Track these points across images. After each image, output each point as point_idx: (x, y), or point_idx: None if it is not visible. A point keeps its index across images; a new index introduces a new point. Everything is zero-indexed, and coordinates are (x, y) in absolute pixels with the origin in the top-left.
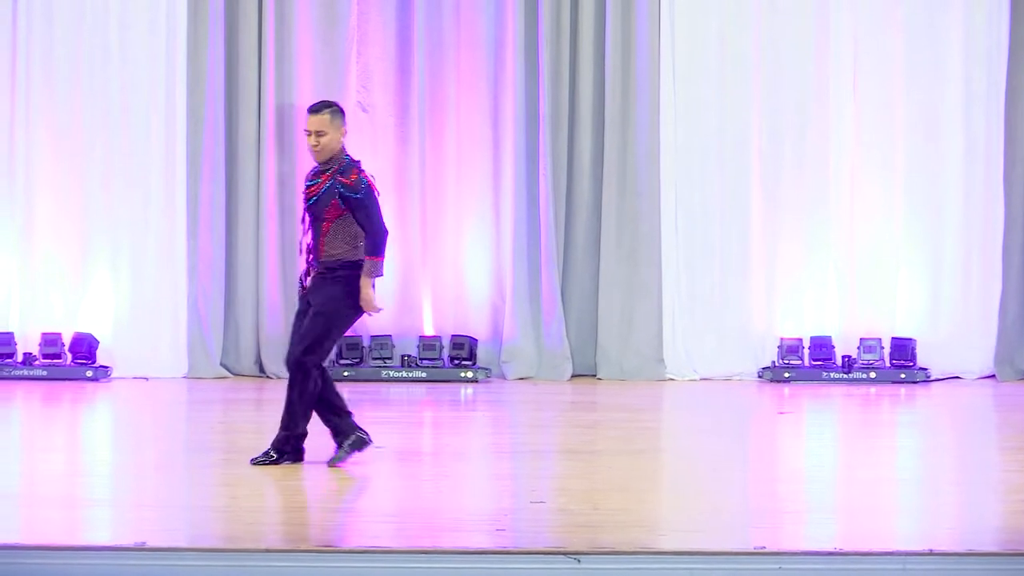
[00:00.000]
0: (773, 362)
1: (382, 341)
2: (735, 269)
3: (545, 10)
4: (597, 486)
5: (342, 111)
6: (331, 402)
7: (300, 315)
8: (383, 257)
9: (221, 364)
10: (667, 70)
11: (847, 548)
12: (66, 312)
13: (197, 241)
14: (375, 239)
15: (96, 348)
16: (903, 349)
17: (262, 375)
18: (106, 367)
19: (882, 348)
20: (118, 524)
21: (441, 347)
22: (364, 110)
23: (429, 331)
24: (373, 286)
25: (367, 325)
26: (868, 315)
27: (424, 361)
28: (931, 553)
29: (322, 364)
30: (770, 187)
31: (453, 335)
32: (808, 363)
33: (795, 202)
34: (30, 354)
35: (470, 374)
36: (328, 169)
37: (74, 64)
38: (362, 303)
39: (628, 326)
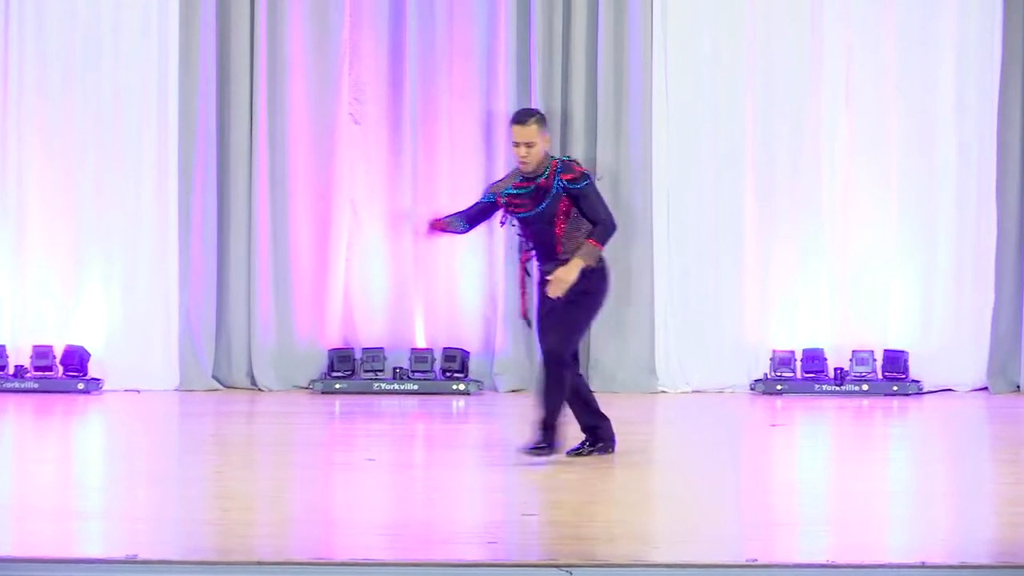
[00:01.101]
0: (765, 374)
1: (374, 353)
2: (728, 280)
3: (537, 21)
4: (589, 498)
5: (544, 116)
6: (585, 399)
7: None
8: (603, 248)
9: (213, 376)
10: (659, 79)
11: (840, 560)
12: (58, 324)
13: (189, 253)
14: (607, 228)
15: (88, 360)
16: (895, 361)
17: (254, 387)
18: (98, 379)
19: (874, 360)
20: (109, 537)
21: (433, 359)
22: (356, 122)
23: (421, 343)
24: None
25: (358, 337)
26: (860, 327)
27: (416, 373)
28: (924, 566)
29: (575, 356)
30: (763, 197)
31: (445, 347)
32: (800, 375)
33: (788, 213)
34: (21, 366)
35: (462, 386)
36: (540, 175)
37: (66, 74)
38: (555, 278)
39: (620, 338)
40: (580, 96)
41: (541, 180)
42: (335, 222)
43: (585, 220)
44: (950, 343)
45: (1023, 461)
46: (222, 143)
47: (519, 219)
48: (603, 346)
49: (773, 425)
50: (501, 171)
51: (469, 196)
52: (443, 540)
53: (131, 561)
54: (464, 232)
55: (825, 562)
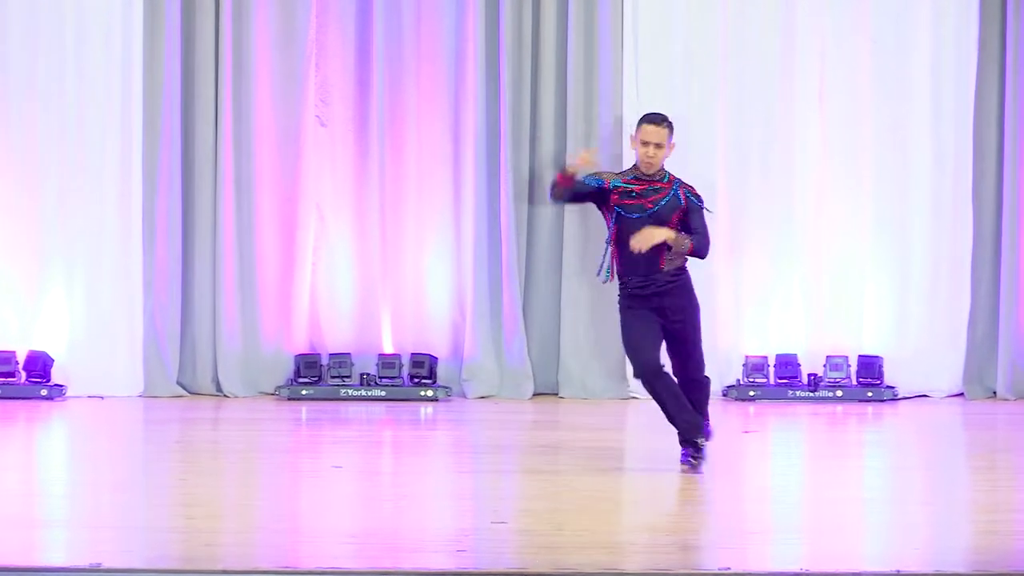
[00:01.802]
0: (738, 380)
1: (341, 359)
2: (699, 285)
3: (506, 23)
4: (560, 506)
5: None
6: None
7: (645, 320)
8: (692, 250)
9: (178, 382)
10: (630, 83)
11: (814, 569)
12: (20, 329)
13: (153, 257)
14: (704, 243)
15: (51, 366)
16: (870, 367)
17: (219, 394)
18: (61, 386)
19: (849, 366)
20: (73, 545)
21: (401, 365)
22: (323, 124)
23: (388, 349)
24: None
25: (325, 343)
26: (834, 332)
27: (383, 379)
28: (898, 574)
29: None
30: (735, 203)
31: (413, 353)
32: (773, 381)
33: (760, 218)
34: None
35: (430, 393)
36: (659, 179)
37: (29, 79)
38: (645, 231)
39: (591, 344)
40: (550, 99)
41: (661, 183)
42: (301, 226)
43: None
44: (926, 348)
45: (999, 468)
46: (187, 146)
47: (626, 217)
48: (574, 353)
49: (746, 432)
50: (468, 175)
51: (435, 199)
52: (411, 548)
53: (95, 570)
54: (568, 199)
55: (799, 571)
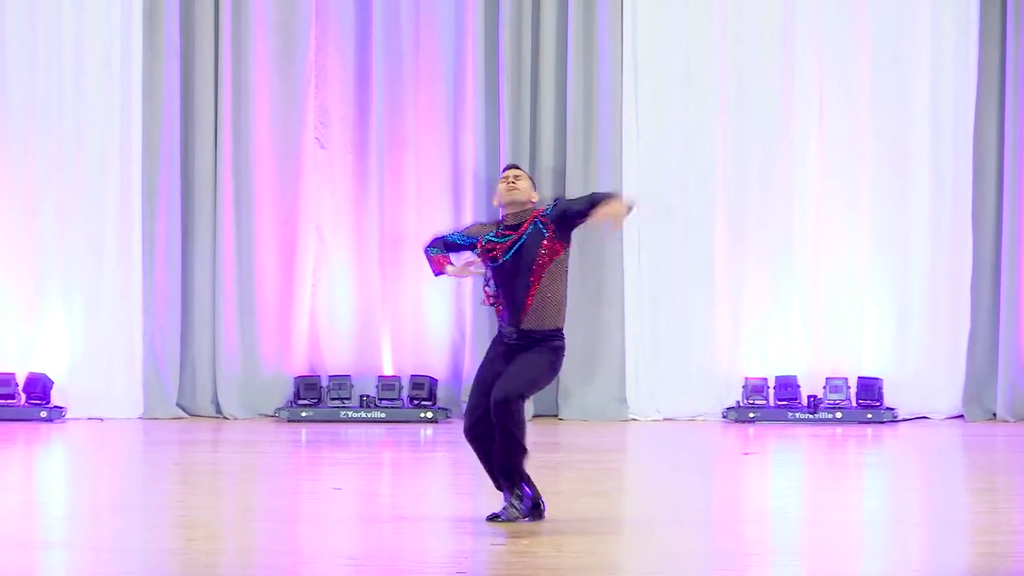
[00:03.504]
0: (737, 402)
1: (340, 381)
2: (699, 307)
3: (505, 44)
4: (559, 528)
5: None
6: None
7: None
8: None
9: (177, 404)
10: (630, 107)
11: None
12: (20, 352)
13: (153, 280)
14: (595, 195)
15: (50, 388)
16: (870, 389)
17: (219, 415)
18: (60, 408)
19: (848, 388)
20: (73, 566)
21: (400, 387)
22: (322, 146)
23: (388, 371)
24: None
25: (324, 365)
26: (834, 354)
27: (383, 401)
28: None
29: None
30: (735, 223)
31: (412, 375)
32: (773, 403)
33: (760, 239)
34: None
35: (430, 414)
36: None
37: (28, 100)
38: (609, 212)
39: (590, 365)
40: (549, 120)
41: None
42: (300, 248)
43: (554, 286)
44: (925, 370)
45: (998, 490)
46: (186, 168)
47: (492, 267)
48: (573, 374)
49: (746, 453)
50: (468, 197)
51: (434, 221)
52: (411, 570)
53: None
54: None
55: None
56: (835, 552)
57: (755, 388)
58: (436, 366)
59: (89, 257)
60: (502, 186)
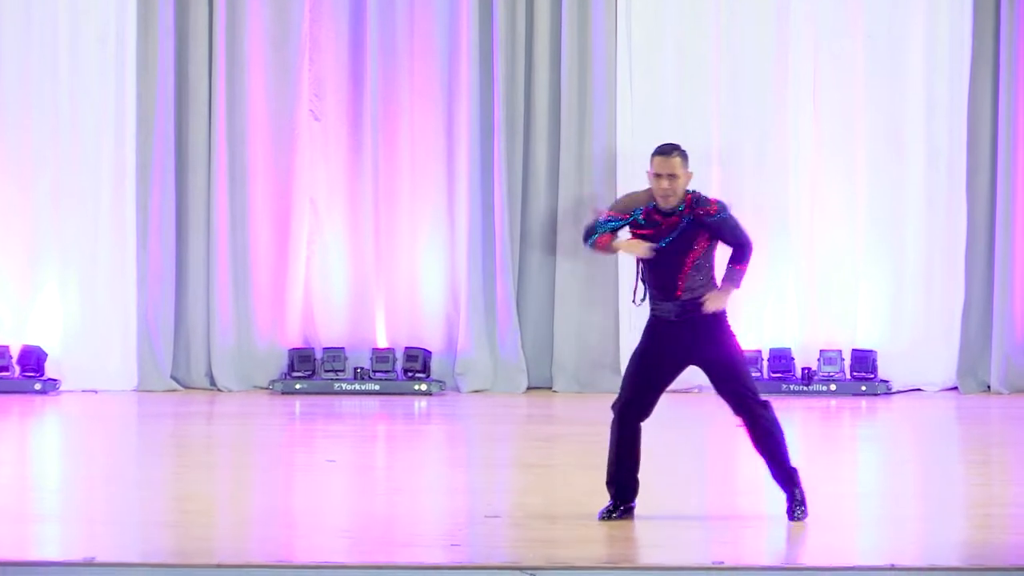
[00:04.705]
0: None
1: (335, 353)
2: None
3: (500, 18)
4: (553, 501)
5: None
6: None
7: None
8: (746, 270)
9: (171, 377)
10: (624, 77)
11: (808, 563)
12: (14, 324)
13: (147, 252)
14: (746, 250)
15: (45, 361)
16: (864, 361)
17: (213, 388)
18: (55, 380)
19: (842, 360)
20: (67, 539)
21: (394, 359)
22: (316, 118)
23: (382, 343)
24: None
25: (318, 337)
26: (828, 326)
27: (377, 373)
28: (892, 568)
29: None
30: (729, 196)
31: (407, 347)
32: (767, 375)
33: (754, 211)
34: None
35: (424, 387)
36: (671, 214)
37: (23, 75)
38: (712, 298)
39: (584, 337)
40: (543, 94)
41: (672, 217)
42: (295, 220)
43: (706, 266)
44: (920, 342)
45: (993, 462)
46: (180, 141)
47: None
48: (567, 346)
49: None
50: (462, 169)
51: (429, 193)
52: (405, 543)
53: (89, 564)
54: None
55: (793, 565)
56: (829, 524)
57: (749, 360)
58: (430, 338)
59: (84, 230)
60: (657, 185)
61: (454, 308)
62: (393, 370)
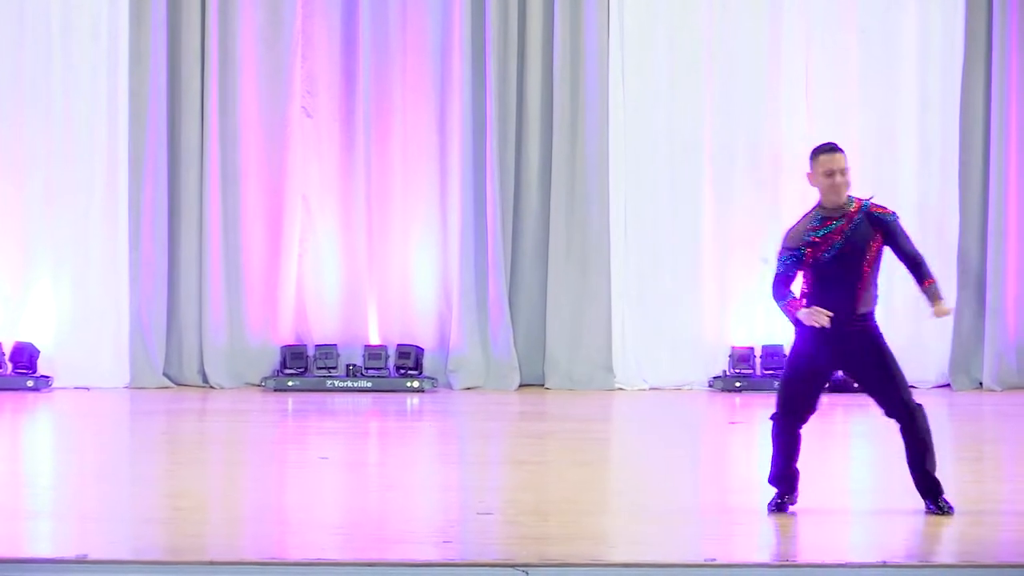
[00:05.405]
0: (724, 371)
1: (327, 350)
2: (685, 277)
3: (492, 15)
4: (546, 497)
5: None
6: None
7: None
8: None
9: (164, 373)
10: (616, 75)
11: (800, 560)
12: (6, 321)
13: (140, 249)
14: (924, 261)
15: (37, 358)
16: None
17: (205, 385)
18: (47, 377)
19: None
20: (59, 536)
21: (387, 356)
22: (309, 115)
23: (375, 340)
24: None
25: (311, 334)
26: None
27: (369, 370)
28: (885, 565)
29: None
30: (722, 193)
31: (399, 344)
32: (760, 372)
33: (747, 209)
34: None
35: (416, 384)
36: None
37: (15, 72)
38: (942, 309)
39: (577, 335)
40: (536, 91)
41: (845, 217)
42: (287, 217)
43: (875, 273)
44: (912, 339)
45: (986, 459)
46: (173, 138)
47: (817, 262)
48: (560, 343)
49: (732, 423)
50: (454, 166)
51: (421, 191)
52: (397, 539)
53: (81, 561)
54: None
55: (785, 561)
56: (822, 521)
57: (741, 357)
58: (423, 335)
59: (76, 227)
60: (827, 181)
61: (446, 305)
62: (385, 367)
